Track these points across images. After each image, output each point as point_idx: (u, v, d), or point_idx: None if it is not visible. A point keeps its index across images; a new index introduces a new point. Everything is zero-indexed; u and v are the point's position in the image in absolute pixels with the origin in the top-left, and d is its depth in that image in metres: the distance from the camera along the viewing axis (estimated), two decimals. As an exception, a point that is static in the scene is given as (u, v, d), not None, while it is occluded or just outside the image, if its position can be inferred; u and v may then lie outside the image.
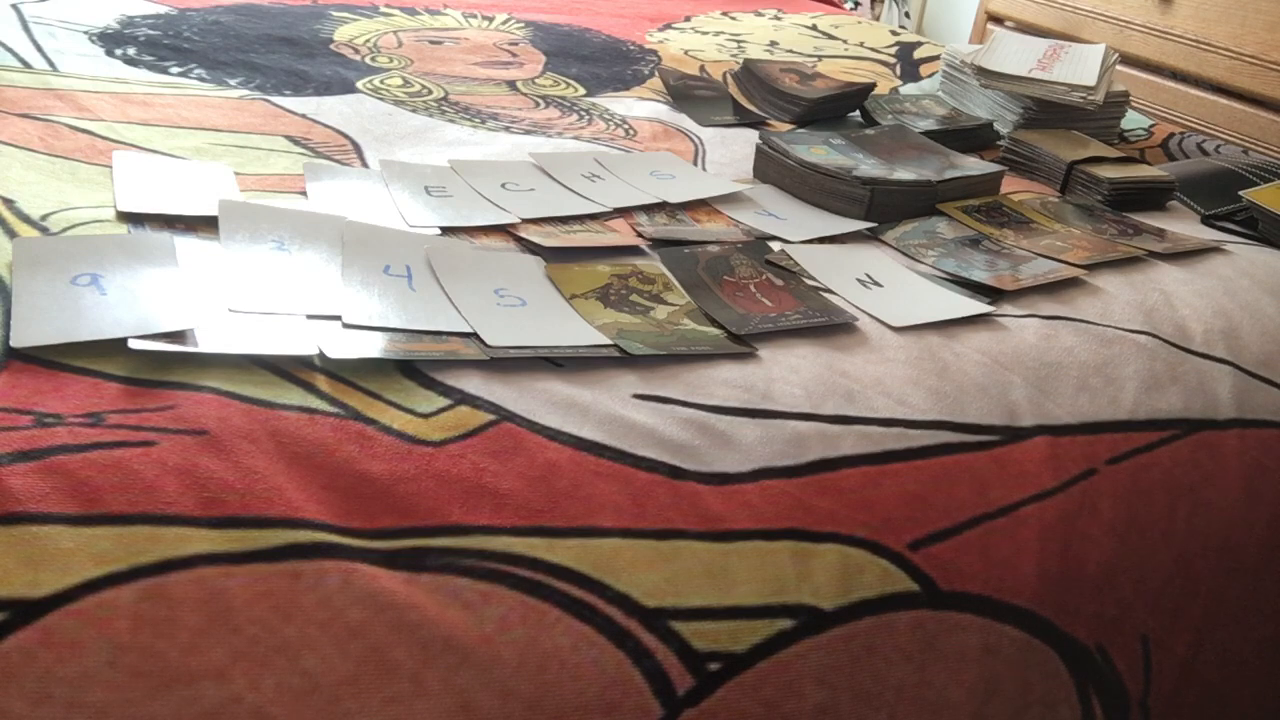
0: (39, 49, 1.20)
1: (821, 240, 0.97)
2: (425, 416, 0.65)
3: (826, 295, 0.87)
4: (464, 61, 1.39)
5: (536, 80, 1.36)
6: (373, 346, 0.69)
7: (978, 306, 0.87)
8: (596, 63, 1.46)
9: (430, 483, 0.61)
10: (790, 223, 1.00)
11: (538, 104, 1.27)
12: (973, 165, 1.12)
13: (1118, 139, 1.39)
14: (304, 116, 1.11)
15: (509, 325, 0.75)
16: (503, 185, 0.99)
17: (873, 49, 1.73)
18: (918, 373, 0.77)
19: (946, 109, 1.34)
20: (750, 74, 1.42)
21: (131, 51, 1.24)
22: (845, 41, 1.76)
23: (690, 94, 1.34)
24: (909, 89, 1.52)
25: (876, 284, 0.89)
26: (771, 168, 1.10)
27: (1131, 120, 1.45)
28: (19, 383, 0.61)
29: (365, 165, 1.02)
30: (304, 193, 0.92)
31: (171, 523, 0.55)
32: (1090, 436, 0.77)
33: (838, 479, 0.68)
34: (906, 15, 2.86)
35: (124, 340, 0.65)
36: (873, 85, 1.36)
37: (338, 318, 0.72)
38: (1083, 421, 0.78)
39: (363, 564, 0.57)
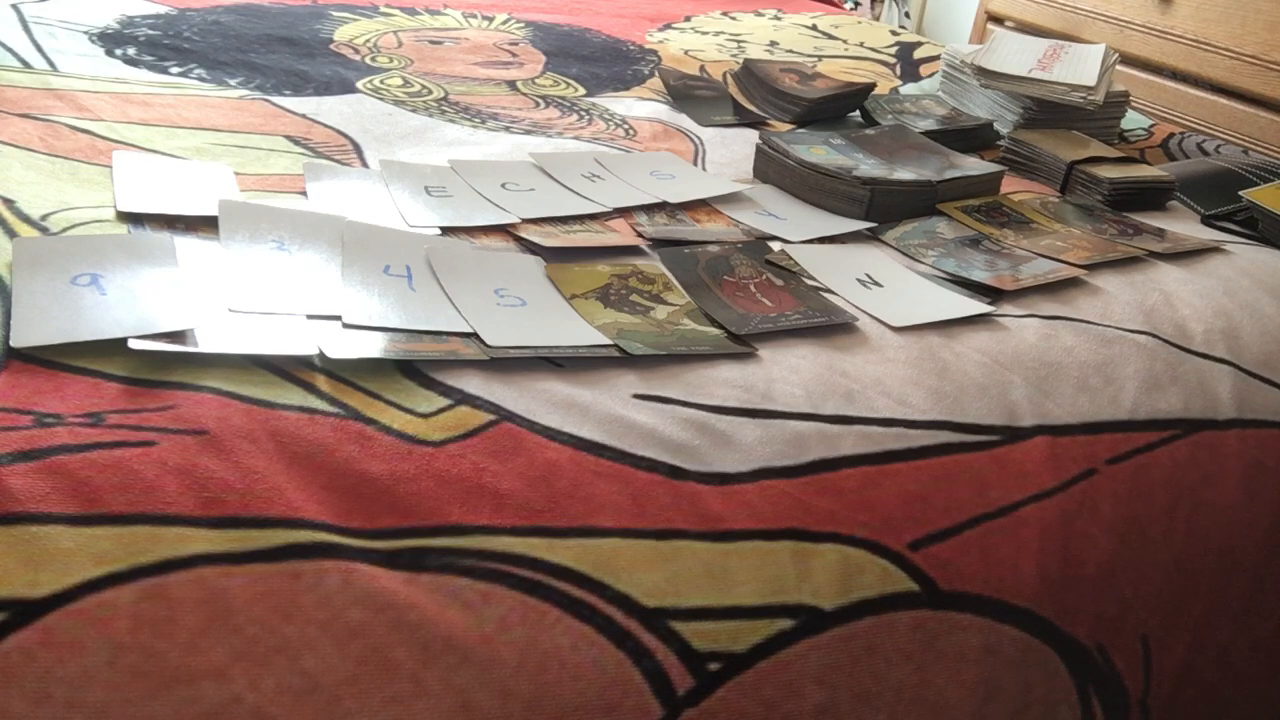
0: (39, 49, 1.20)
1: (821, 240, 0.97)
2: (425, 416, 0.65)
3: (826, 295, 0.87)
4: (464, 61, 1.39)
5: (536, 80, 1.36)
6: (373, 346, 0.69)
7: (978, 306, 0.87)
8: (596, 63, 1.46)
9: (430, 483, 0.61)
10: (790, 223, 1.00)
11: (538, 104, 1.27)
12: (973, 165, 1.12)
13: (1118, 139, 1.39)
14: (304, 116, 1.11)
15: (509, 325, 0.75)
16: (503, 185, 0.99)
17: (873, 49, 1.73)
18: (918, 373, 0.77)
19: (946, 109, 1.34)
20: (750, 74, 1.42)
21: (131, 51, 1.24)
22: (845, 41, 1.76)
23: (690, 94, 1.34)
24: (909, 89, 1.52)
25: (876, 284, 0.89)
26: (771, 168, 1.10)
27: (1131, 120, 1.45)
28: (19, 383, 0.61)
29: (365, 165, 1.02)
30: (304, 193, 0.92)
31: (171, 523, 0.55)
32: (1090, 436, 0.77)
33: (838, 479, 0.68)
34: (906, 15, 2.86)
35: (124, 340, 0.65)
36: (873, 85, 1.36)
37: (338, 318, 0.72)
38: (1083, 421, 0.78)
39: (363, 564, 0.57)
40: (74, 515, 0.54)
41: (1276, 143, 1.71)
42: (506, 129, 1.16)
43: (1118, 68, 1.43)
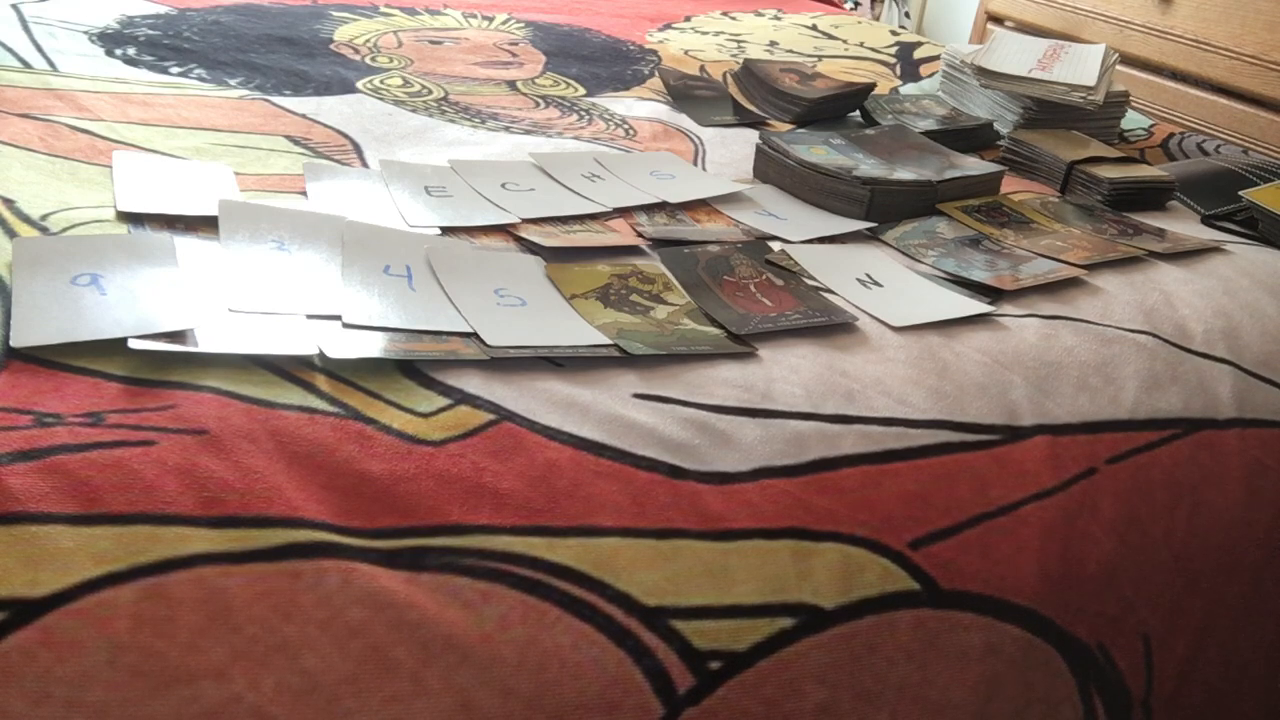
0: (39, 49, 1.20)
1: (821, 240, 0.97)
2: (425, 416, 0.65)
3: (826, 295, 0.87)
4: (464, 61, 1.39)
5: (536, 80, 1.36)
6: (373, 346, 0.69)
7: (978, 306, 0.87)
8: (596, 63, 1.46)
9: (430, 482, 0.61)
10: (790, 223, 1.00)
11: (538, 104, 1.27)
12: (973, 165, 1.12)
13: (1118, 139, 1.39)
14: (304, 116, 1.11)
15: (509, 325, 0.75)
16: (503, 185, 0.99)
17: (873, 49, 1.73)
18: (918, 372, 0.77)
19: (946, 109, 1.34)
20: (750, 74, 1.42)
21: (131, 51, 1.24)
22: (845, 41, 1.76)
23: (690, 94, 1.34)
24: (909, 89, 1.52)
25: (876, 284, 0.89)
26: (771, 168, 1.10)
27: (1131, 120, 1.45)
28: (19, 383, 0.61)
29: (365, 165, 1.02)
30: (304, 193, 0.92)
31: (171, 522, 0.55)
32: (1090, 436, 0.77)
33: (838, 478, 0.68)
34: (906, 15, 2.87)
35: (124, 340, 0.65)
36: (873, 85, 1.36)
37: (338, 318, 0.72)
38: (1083, 421, 0.78)
39: (362, 563, 0.57)
40: (74, 515, 0.54)
41: (1276, 143, 1.71)
42: (506, 129, 1.16)
43: (1118, 68, 1.43)
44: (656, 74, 1.43)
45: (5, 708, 0.49)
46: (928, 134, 1.21)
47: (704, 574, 0.62)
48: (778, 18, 1.88)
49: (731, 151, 1.18)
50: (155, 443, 0.59)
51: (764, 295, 0.84)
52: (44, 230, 0.78)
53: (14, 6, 1.33)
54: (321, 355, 0.67)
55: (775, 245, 0.94)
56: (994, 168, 1.12)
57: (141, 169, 0.90)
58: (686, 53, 1.56)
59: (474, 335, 0.73)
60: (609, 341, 0.74)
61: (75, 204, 0.83)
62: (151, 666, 0.52)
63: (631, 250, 0.90)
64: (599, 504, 0.63)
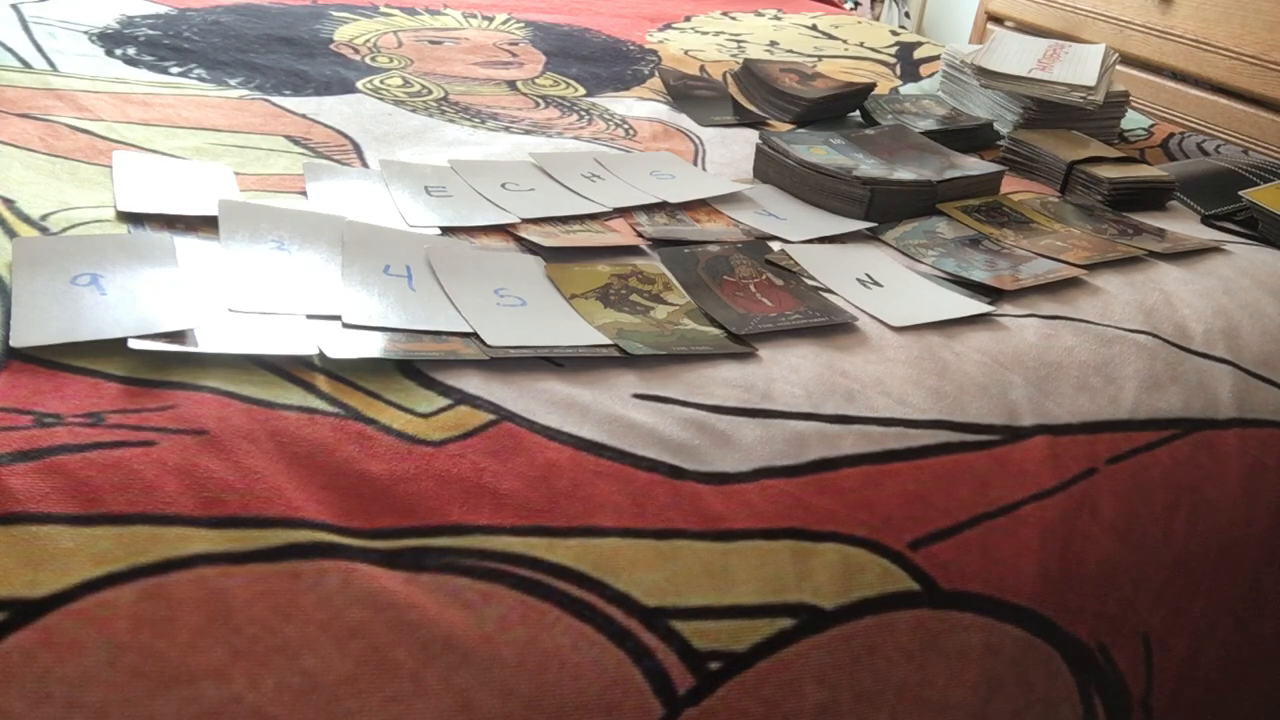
0: (39, 49, 1.20)
1: (821, 240, 0.97)
2: (425, 416, 0.65)
3: (826, 295, 0.87)
4: (464, 61, 1.39)
5: (536, 80, 1.36)
6: (373, 346, 0.69)
7: (978, 306, 0.87)
8: (596, 63, 1.46)
9: (430, 482, 0.61)
10: (790, 223, 1.00)
11: (538, 104, 1.27)
12: (973, 165, 1.12)
13: (1118, 139, 1.39)
14: (304, 116, 1.11)
15: (509, 325, 0.75)
16: (503, 185, 0.99)
17: (873, 49, 1.73)
18: (918, 372, 0.77)
19: (946, 109, 1.34)
20: (750, 74, 1.42)
21: (131, 51, 1.24)
22: (845, 41, 1.76)
23: (690, 94, 1.34)
24: (909, 89, 1.52)
25: (876, 284, 0.89)
26: (771, 168, 1.10)
27: (1131, 120, 1.45)
28: (19, 383, 0.61)
29: (365, 165, 1.02)
30: (304, 193, 0.92)
31: (171, 522, 0.55)
32: (1090, 436, 0.77)
33: (838, 478, 0.68)
34: (906, 15, 2.86)
35: (124, 340, 0.65)
36: (873, 85, 1.36)
37: (338, 318, 0.72)
38: (1083, 421, 0.78)
39: (362, 564, 0.57)
40: (74, 515, 0.54)
41: (1276, 143, 1.71)
42: (506, 129, 1.16)
43: (1118, 68, 1.43)
44: (656, 74, 1.43)
45: (5, 708, 0.50)
46: (928, 134, 1.21)
47: (704, 574, 0.62)
48: (778, 18, 1.88)
49: (731, 151, 1.18)
50: (155, 443, 0.59)
51: (764, 295, 0.84)
52: (44, 230, 0.78)
53: (14, 6, 1.33)
54: (321, 355, 0.67)
55: (775, 245, 0.94)
56: (994, 168, 1.12)
57: (141, 169, 0.90)
58: (686, 53, 1.56)
59: (474, 335, 0.73)
60: (609, 341, 0.74)
61: (75, 204, 0.83)
62: (151, 666, 0.52)
63: (631, 250, 0.90)
64: (599, 504, 0.63)
